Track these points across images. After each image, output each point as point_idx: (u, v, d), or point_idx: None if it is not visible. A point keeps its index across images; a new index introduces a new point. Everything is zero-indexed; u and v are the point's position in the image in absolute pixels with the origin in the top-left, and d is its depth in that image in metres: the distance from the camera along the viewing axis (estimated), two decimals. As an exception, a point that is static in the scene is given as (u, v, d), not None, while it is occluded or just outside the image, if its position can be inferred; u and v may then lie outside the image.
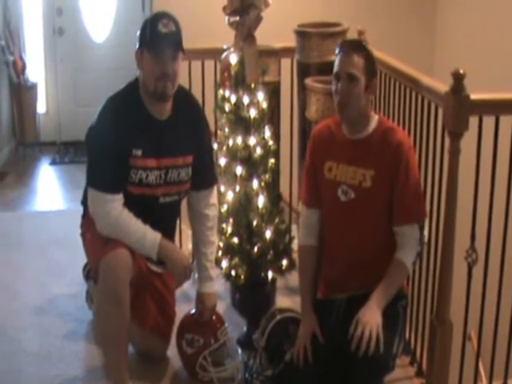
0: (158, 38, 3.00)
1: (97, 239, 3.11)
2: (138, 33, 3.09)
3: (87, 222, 3.24)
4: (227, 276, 3.51)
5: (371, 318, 2.76)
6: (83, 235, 3.37)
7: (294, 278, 3.77)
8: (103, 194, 3.06)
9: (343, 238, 3.01)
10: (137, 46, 3.08)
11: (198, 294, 3.38)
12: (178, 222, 3.52)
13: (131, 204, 3.10)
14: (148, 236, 3.08)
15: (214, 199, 3.38)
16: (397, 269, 2.89)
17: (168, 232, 3.25)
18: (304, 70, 4.04)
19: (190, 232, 3.55)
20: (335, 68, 2.93)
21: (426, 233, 2.95)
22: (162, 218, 3.22)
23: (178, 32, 3.05)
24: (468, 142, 3.00)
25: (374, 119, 2.96)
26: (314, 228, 3.12)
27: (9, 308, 4.04)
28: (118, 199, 3.08)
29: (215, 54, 3.92)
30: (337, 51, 2.95)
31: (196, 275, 3.37)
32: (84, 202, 3.32)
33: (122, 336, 3.07)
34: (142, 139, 3.08)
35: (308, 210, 3.12)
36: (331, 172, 3.00)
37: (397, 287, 2.90)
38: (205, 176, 3.32)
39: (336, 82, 2.92)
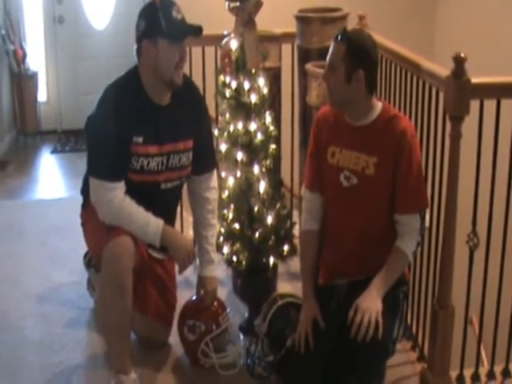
0: (178, 25, 3.00)
1: (99, 228, 3.11)
2: (143, 25, 3.03)
3: (88, 211, 3.24)
4: (229, 262, 3.52)
5: (371, 304, 2.75)
6: (84, 225, 3.37)
7: (295, 264, 3.76)
8: (105, 182, 3.05)
9: (345, 223, 3.00)
10: (137, 38, 3.06)
11: (199, 278, 3.39)
12: (178, 207, 3.52)
13: (133, 191, 3.10)
14: (151, 223, 3.08)
15: (214, 183, 3.39)
16: (397, 257, 2.89)
17: (169, 218, 3.25)
18: (304, 56, 4.03)
19: (191, 219, 3.55)
20: None
21: (426, 221, 2.93)
22: (164, 204, 3.22)
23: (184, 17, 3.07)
24: (469, 125, 2.99)
25: (378, 107, 2.93)
26: (317, 213, 3.11)
27: (10, 296, 4.04)
28: (120, 187, 3.07)
29: (216, 40, 3.91)
30: None
31: (197, 260, 3.37)
32: (83, 192, 3.32)
33: (124, 323, 3.07)
34: (142, 126, 3.08)
35: (311, 194, 3.11)
36: (334, 157, 2.99)
37: (397, 275, 2.90)
38: (205, 160, 3.32)
39: None
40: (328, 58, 2.90)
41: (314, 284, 3.06)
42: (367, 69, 2.85)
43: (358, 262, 2.98)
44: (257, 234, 3.44)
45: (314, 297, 3.01)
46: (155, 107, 3.12)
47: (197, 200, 3.37)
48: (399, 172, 2.86)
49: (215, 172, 3.41)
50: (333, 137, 3.01)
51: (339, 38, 2.87)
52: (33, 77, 7.59)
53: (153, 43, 3.02)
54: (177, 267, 3.31)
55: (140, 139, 3.07)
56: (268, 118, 3.49)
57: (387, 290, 2.84)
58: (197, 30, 3.06)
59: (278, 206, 3.50)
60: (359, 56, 2.84)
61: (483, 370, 3.33)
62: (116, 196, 3.06)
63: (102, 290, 3.09)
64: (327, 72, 2.91)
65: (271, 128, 3.49)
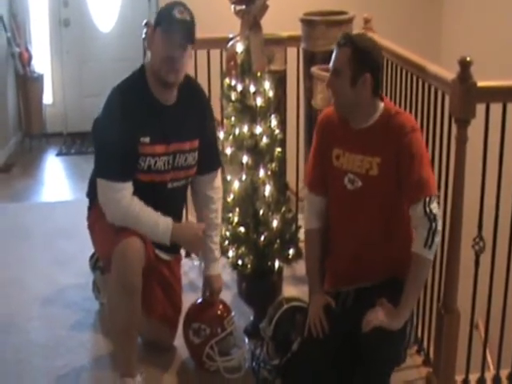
0: (171, 21, 3.03)
1: (107, 229, 3.11)
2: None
3: (95, 214, 3.25)
4: (234, 265, 3.51)
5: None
6: (90, 227, 3.37)
7: (300, 267, 3.76)
8: (113, 183, 3.06)
9: (350, 227, 3.00)
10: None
11: (205, 277, 3.41)
12: (184, 207, 3.52)
13: (140, 191, 3.11)
14: (160, 223, 3.09)
15: (218, 182, 3.41)
16: (413, 265, 2.79)
17: (175, 217, 3.24)
18: (310, 59, 4.03)
19: (194, 220, 3.55)
20: None
21: (435, 208, 2.77)
22: (171, 204, 3.23)
23: (192, 23, 3.08)
24: (475, 129, 2.99)
25: (380, 107, 2.93)
26: (320, 212, 3.13)
27: (16, 299, 4.05)
28: (128, 187, 3.08)
29: (221, 43, 3.91)
30: None
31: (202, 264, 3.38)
32: (90, 195, 3.33)
33: (132, 325, 3.06)
34: (149, 126, 3.09)
35: (315, 197, 3.12)
36: (339, 160, 2.99)
37: (420, 283, 2.87)
38: (210, 160, 3.34)
39: None
40: (332, 63, 2.90)
41: (321, 279, 3.08)
42: (372, 72, 2.85)
43: (363, 266, 2.97)
44: (262, 238, 3.43)
45: (322, 289, 3.04)
46: (161, 107, 3.14)
47: (201, 199, 3.39)
48: (402, 167, 2.83)
49: (219, 171, 3.43)
50: (336, 139, 3.00)
51: (343, 42, 2.87)
52: (38, 79, 7.62)
53: (152, 30, 3.12)
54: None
55: (147, 139, 3.08)
56: (273, 122, 3.48)
57: (413, 305, 2.87)
58: (187, 37, 3.06)
59: (284, 209, 3.50)
60: (365, 60, 2.84)
61: (489, 375, 3.32)
62: (124, 196, 3.06)
63: (112, 291, 3.08)
64: (332, 77, 2.90)
65: (276, 131, 3.49)
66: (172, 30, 3.02)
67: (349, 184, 2.95)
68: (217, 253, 3.41)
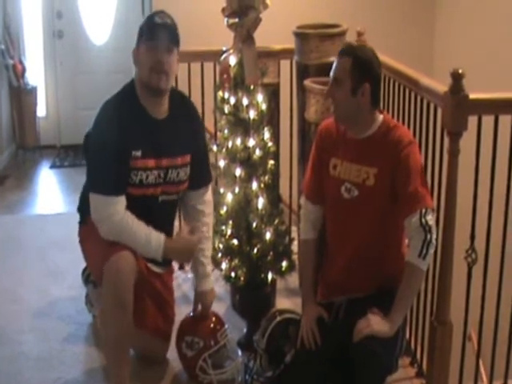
0: (153, 27, 3.07)
1: (99, 244, 3.11)
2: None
3: (86, 228, 3.26)
4: (227, 278, 3.51)
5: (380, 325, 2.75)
6: (82, 242, 3.38)
7: (293, 280, 3.76)
8: (106, 196, 3.06)
9: (345, 236, 3.00)
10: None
11: (197, 293, 3.39)
12: (174, 221, 3.52)
13: (131, 204, 3.10)
14: (153, 241, 3.09)
15: (209, 196, 3.42)
16: (406, 274, 2.80)
17: (167, 231, 3.25)
18: (303, 72, 4.03)
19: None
20: None
21: (430, 220, 2.77)
22: (161, 217, 3.23)
23: (174, 26, 3.11)
24: (467, 141, 3.00)
25: (379, 119, 2.95)
26: (317, 223, 3.14)
27: (9, 311, 4.04)
28: (121, 201, 3.08)
29: (214, 55, 3.92)
30: None
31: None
32: (80, 209, 3.33)
33: (125, 338, 3.06)
34: (140, 140, 3.10)
35: (313, 206, 3.14)
36: (335, 169, 3.00)
37: (412, 292, 2.87)
38: (202, 175, 3.35)
39: None
40: (333, 72, 2.92)
41: (314, 288, 3.08)
42: (372, 82, 2.89)
43: (357, 277, 2.98)
44: (255, 250, 3.43)
45: (315, 300, 3.04)
46: (152, 121, 3.15)
47: (192, 213, 3.38)
48: (399, 179, 2.84)
49: (210, 186, 3.44)
50: (335, 149, 3.02)
51: (344, 52, 2.91)
52: (32, 91, 7.61)
53: (137, 50, 3.12)
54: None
55: (139, 153, 3.08)
56: (266, 134, 3.49)
57: (404, 313, 2.86)
58: (172, 39, 3.09)
59: (277, 221, 3.50)
60: (364, 70, 2.88)
61: (482, 386, 3.33)
62: (117, 211, 3.06)
63: (104, 305, 3.07)
64: (332, 86, 2.93)
65: (269, 144, 3.49)
66: (156, 34, 3.05)
67: (345, 193, 2.96)
68: (209, 267, 3.40)
